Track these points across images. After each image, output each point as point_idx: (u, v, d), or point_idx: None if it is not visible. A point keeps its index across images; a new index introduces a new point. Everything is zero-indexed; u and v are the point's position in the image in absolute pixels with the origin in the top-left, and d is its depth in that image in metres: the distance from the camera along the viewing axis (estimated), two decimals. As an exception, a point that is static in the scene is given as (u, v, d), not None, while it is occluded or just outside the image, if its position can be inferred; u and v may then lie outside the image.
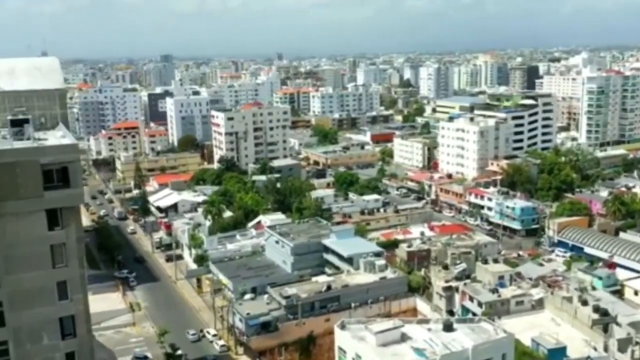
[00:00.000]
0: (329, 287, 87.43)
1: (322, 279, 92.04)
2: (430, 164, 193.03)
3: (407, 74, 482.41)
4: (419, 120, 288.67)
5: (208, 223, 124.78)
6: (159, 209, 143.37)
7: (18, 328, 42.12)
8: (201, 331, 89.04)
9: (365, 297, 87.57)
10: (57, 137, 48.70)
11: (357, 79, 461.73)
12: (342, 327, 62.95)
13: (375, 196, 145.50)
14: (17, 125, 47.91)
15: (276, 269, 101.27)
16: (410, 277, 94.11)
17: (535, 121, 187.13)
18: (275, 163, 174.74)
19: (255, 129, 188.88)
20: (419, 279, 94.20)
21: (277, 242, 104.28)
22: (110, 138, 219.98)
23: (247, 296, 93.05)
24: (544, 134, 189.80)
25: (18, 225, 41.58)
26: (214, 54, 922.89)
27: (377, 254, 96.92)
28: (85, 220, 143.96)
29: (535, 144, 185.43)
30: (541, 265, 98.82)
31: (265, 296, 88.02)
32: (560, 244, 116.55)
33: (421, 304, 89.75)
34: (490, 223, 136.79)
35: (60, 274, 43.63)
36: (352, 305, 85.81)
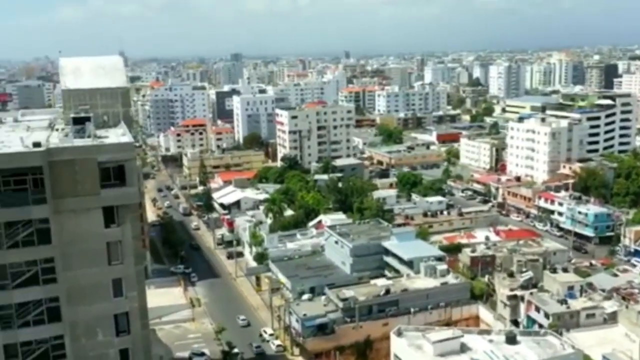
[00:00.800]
0: (387, 291, 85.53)
1: (381, 282, 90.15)
2: (498, 165, 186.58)
3: (477, 73, 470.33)
4: (488, 120, 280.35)
5: (269, 221, 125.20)
6: (222, 205, 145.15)
7: (74, 323, 42.77)
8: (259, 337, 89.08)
9: (425, 302, 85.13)
10: (117, 136, 49.28)
11: (424, 78, 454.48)
12: (399, 334, 61.14)
13: (439, 198, 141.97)
14: (79, 123, 48.79)
15: (335, 270, 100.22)
16: (473, 284, 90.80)
17: (613, 122, 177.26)
18: (338, 162, 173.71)
19: (319, 128, 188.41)
20: (482, 286, 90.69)
21: (336, 242, 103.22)
22: (178, 135, 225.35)
23: (305, 296, 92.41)
24: (621, 136, 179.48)
25: (76, 222, 42.20)
26: (282, 53, 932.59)
27: (439, 258, 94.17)
28: (151, 215, 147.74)
29: (611, 146, 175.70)
30: (615, 275, 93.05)
31: (323, 297, 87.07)
32: (637, 253, 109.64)
33: (484, 312, 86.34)
34: (560, 229, 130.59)
35: (115, 271, 44.05)
36: (411, 310, 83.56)
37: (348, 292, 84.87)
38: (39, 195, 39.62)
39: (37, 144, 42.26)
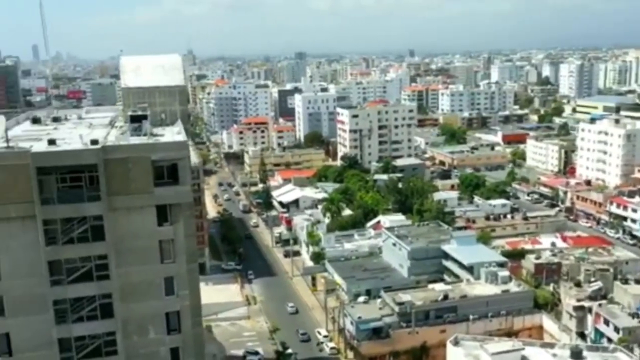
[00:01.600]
0: (445, 297, 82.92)
1: (439, 286, 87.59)
2: (567, 168, 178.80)
3: (546, 71, 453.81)
4: (557, 120, 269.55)
5: (327, 221, 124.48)
6: (281, 203, 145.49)
7: (126, 320, 43.10)
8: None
9: (485, 310, 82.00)
10: (173, 134, 49.42)
11: (490, 77, 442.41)
12: (456, 342, 58.80)
13: (502, 201, 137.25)
14: (136, 121, 49.22)
15: (392, 273, 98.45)
16: (537, 292, 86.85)
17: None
18: (399, 162, 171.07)
19: (380, 127, 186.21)
20: (546, 295, 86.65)
21: (394, 244, 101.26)
22: (241, 132, 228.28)
23: (361, 298, 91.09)
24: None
25: (129, 220, 42.49)
26: (346, 51, 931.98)
27: (501, 264, 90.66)
28: (212, 211, 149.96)
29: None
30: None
31: (379, 300, 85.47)
32: None
33: (548, 323, 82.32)
34: (634, 237, 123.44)
35: (167, 269, 44.10)
36: (470, 317, 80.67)
37: (405, 296, 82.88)
38: (94, 192, 40.07)
39: (94, 142, 42.78)
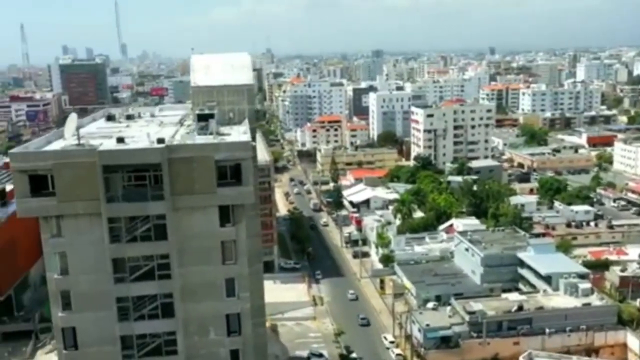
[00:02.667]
0: (520, 307, 78.85)
1: (513, 296, 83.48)
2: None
3: (638, 70, 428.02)
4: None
5: (397, 222, 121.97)
6: (351, 203, 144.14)
7: (187, 320, 43.00)
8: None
9: (563, 323, 77.41)
10: (239, 133, 48.97)
11: (576, 75, 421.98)
12: (530, 359, 55.33)
13: (585, 207, 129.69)
14: (203, 119, 49.13)
15: (463, 279, 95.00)
16: (622, 307, 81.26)
17: None
18: (474, 163, 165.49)
19: (456, 127, 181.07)
20: (632, 311, 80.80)
21: (467, 249, 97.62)
22: (314, 130, 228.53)
23: (430, 304, 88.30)
24: None
25: (191, 220, 42.32)
26: (424, 49, 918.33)
27: (582, 276, 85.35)
28: (283, 209, 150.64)
29: None
30: None
31: (448, 308, 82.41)
32: None
33: (633, 341, 76.55)
34: None
35: (228, 270, 43.67)
36: (547, 331, 76.42)
37: (476, 305, 79.47)
38: (158, 191, 40.09)
39: (160, 140, 42.84)
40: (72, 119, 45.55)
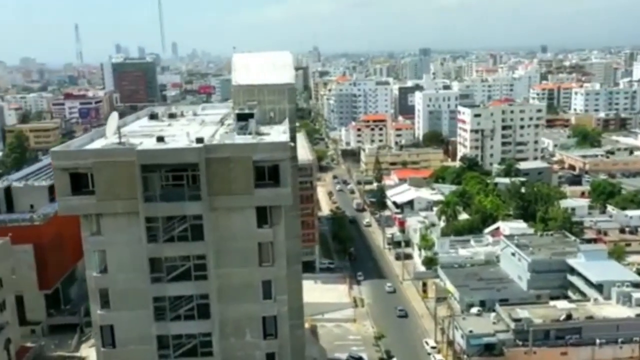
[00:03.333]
0: (569, 316, 75.89)
1: (561, 304, 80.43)
2: None
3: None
4: None
5: (442, 224, 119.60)
6: (395, 204, 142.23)
7: (223, 321, 42.66)
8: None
9: (614, 334, 74.15)
10: (278, 133, 48.37)
11: (632, 74, 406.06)
12: (578, 371, 52.87)
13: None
14: (243, 119, 48.72)
15: (509, 284, 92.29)
16: (679, 319, 76.82)
17: None
18: (523, 165, 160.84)
19: (504, 127, 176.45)
20: (690, 323, 76.38)
21: (513, 254, 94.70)
22: (359, 129, 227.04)
23: (474, 309, 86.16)
24: None
25: (228, 221, 41.93)
26: (473, 47, 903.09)
27: (636, 284, 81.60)
28: (326, 208, 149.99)
29: None
30: None
31: (493, 314, 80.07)
32: None
33: (690, 355, 72.64)
34: None
35: (265, 272, 43.08)
36: (597, 341, 73.29)
37: (522, 312, 76.91)
38: (195, 191, 39.82)
39: (199, 140, 42.61)
40: (114, 118, 45.85)
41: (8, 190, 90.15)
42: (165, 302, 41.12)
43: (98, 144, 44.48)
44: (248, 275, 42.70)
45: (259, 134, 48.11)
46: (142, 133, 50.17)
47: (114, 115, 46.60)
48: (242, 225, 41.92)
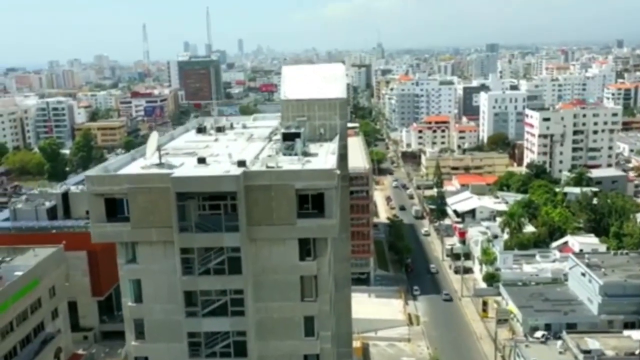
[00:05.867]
0: (645, 349, 69.22)
1: (637, 334, 73.70)
2: None
3: None
4: None
5: (505, 236, 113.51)
6: (455, 212, 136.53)
7: (262, 359, 39.89)
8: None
9: (697, 372, 66.93)
10: (327, 154, 45.24)
11: None
12: None
13: None
14: (289, 139, 45.90)
15: (578, 307, 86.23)
16: None
17: None
18: (595, 173, 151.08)
19: (575, 132, 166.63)
20: None
21: (583, 274, 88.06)
22: (420, 131, 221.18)
23: (538, 333, 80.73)
24: None
25: (268, 252, 39.09)
26: (543, 42, 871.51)
27: None
28: (383, 215, 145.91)
29: None
30: None
31: (559, 343, 74.32)
32: None
33: None
34: None
35: (308, 308, 39.97)
36: (678, 380, 66.36)
37: (592, 343, 70.85)
38: (233, 221, 37.19)
39: (241, 163, 40.03)
40: (154, 138, 43.90)
41: (66, 196, 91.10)
42: (200, 338, 38.78)
43: (137, 165, 42.62)
44: (289, 311, 39.75)
45: (305, 154, 45.13)
46: (185, 151, 48.09)
47: (154, 135, 44.67)
48: (283, 257, 38.99)
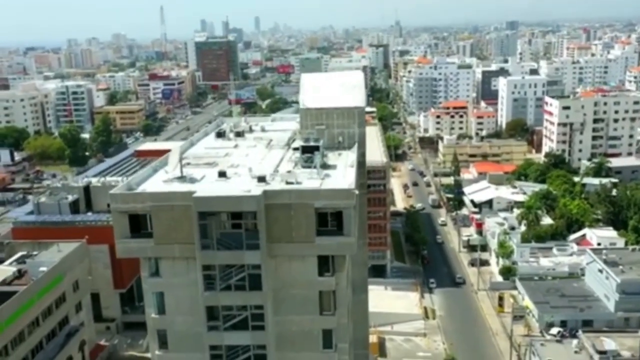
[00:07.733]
0: (661, 351, 69.46)
1: (654, 334, 73.92)
2: None
3: None
4: None
5: (522, 228, 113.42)
6: (472, 202, 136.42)
7: (281, 370, 41.05)
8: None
9: None
10: (346, 166, 45.83)
11: None
12: None
13: None
14: (309, 152, 46.46)
15: (594, 303, 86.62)
16: None
17: None
18: (615, 162, 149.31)
19: (595, 120, 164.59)
20: None
21: (600, 270, 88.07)
22: (438, 117, 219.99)
23: (554, 330, 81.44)
24: None
25: (288, 269, 39.97)
26: (565, 18, 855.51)
27: None
28: (400, 204, 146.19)
29: None
30: None
31: (575, 342, 74.86)
32: None
33: None
34: None
35: (326, 321, 40.92)
36: (693, 382, 66.64)
37: (608, 343, 71.30)
38: (254, 239, 38.03)
39: (261, 179, 40.84)
40: (175, 152, 44.69)
41: (87, 189, 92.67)
42: (222, 351, 39.96)
43: (159, 179, 43.51)
44: (308, 324, 40.74)
45: (324, 166, 45.74)
46: (205, 160, 48.93)
47: (175, 149, 45.45)
48: (303, 273, 39.85)
